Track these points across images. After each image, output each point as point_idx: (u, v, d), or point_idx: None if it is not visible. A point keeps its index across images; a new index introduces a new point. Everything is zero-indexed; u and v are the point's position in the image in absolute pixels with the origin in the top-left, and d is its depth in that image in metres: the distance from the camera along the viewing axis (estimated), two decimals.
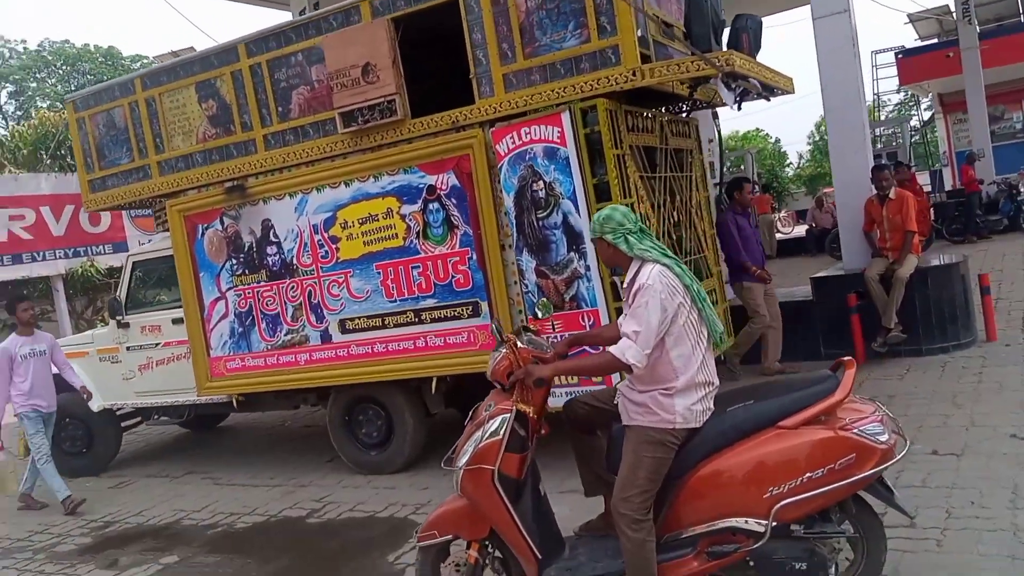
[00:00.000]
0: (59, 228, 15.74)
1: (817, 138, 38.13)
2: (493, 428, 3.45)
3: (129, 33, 69.05)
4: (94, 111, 7.49)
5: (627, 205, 5.39)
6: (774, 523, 3.16)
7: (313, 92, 6.35)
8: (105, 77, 33.59)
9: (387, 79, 5.91)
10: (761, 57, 6.11)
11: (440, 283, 5.99)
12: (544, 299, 4.13)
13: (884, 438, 3.20)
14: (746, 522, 3.20)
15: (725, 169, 8.47)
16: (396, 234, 6.11)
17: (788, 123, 78.86)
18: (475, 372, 5.42)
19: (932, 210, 16.44)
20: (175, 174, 7.10)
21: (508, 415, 3.45)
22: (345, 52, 6.03)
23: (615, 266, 3.56)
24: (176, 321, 7.33)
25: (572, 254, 5.41)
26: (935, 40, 24.75)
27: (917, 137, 30.59)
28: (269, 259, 6.68)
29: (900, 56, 24.11)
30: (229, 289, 6.92)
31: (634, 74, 5.20)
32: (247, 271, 6.80)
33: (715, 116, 7.82)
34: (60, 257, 15.69)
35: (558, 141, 5.36)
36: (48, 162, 18.00)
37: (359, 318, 6.33)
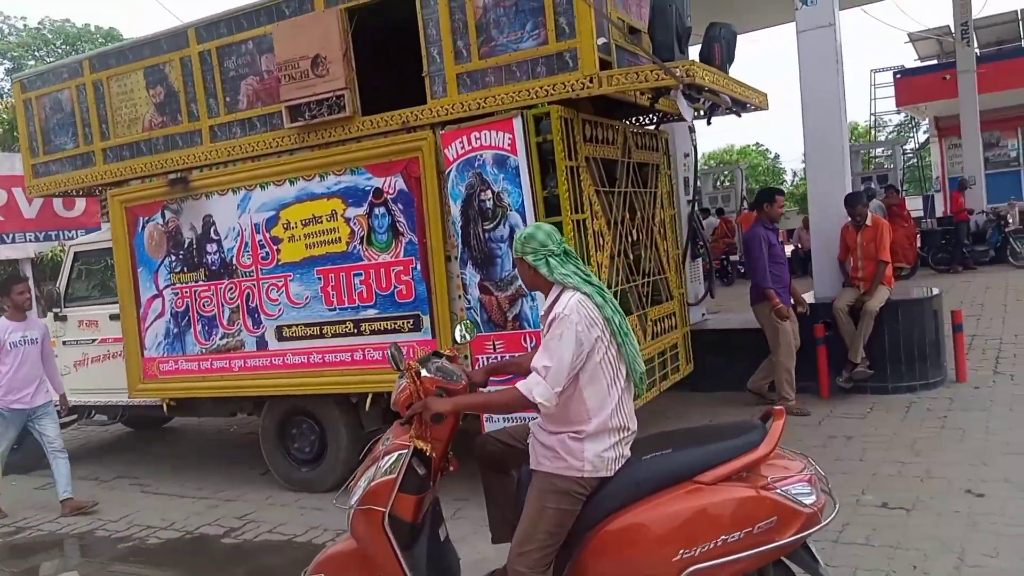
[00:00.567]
0: (31, 211, 15.34)
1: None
2: (387, 465, 3.13)
3: (134, 15, 68.51)
4: (41, 92, 7.15)
5: (579, 220, 5.10)
6: None
7: (262, 83, 6.03)
8: None
9: (337, 73, 5.59)
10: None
11: (382, 293, 5.68)
12: (468, 320, 3.81)
13: (810, 500, 2.90)
14: None
15: (698, 185, 8.13)
16: (339, 238, 5.79)
17: (792, 140, 78.67)
18: None
19: (919, 237, 16.20)
20: (119, 163, 6.76)
21: (404, 452, 3.13)
22: (295, 42, 5.71)
23: (535, 290, 3.24)
24: (113, 317, 7.00)
25: (517, 270, 5.09)
26: (935, 61, 24.51)
27: (914, 160, 30.40)
28: (208, 257, 6.35)
29: (898, 76, 23.87)
30: (167, 287, 6.59)
31: (591, 81, 4.90)
32: (186, 269, 6.47)
33: (692, 130, 7.48)
34: (30, 240, 15.32)
35: (508, 148, 5.05)
36: None
37: (297, 325, 6.01)
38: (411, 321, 5.57)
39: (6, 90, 37.56)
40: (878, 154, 25.01)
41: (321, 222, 5.84)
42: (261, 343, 6.17)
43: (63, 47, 38.76)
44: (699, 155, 7.87)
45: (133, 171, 6.68)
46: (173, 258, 6.53)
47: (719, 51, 5.86)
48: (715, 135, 67.18)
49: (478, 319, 5.23)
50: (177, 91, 6.38)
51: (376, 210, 5.63)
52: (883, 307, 7.04)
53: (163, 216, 6.54)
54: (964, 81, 18.05)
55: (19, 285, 6.39)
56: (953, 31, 19.25)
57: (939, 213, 21.32)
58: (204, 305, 6.40)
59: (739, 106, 6.11)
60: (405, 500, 3.11)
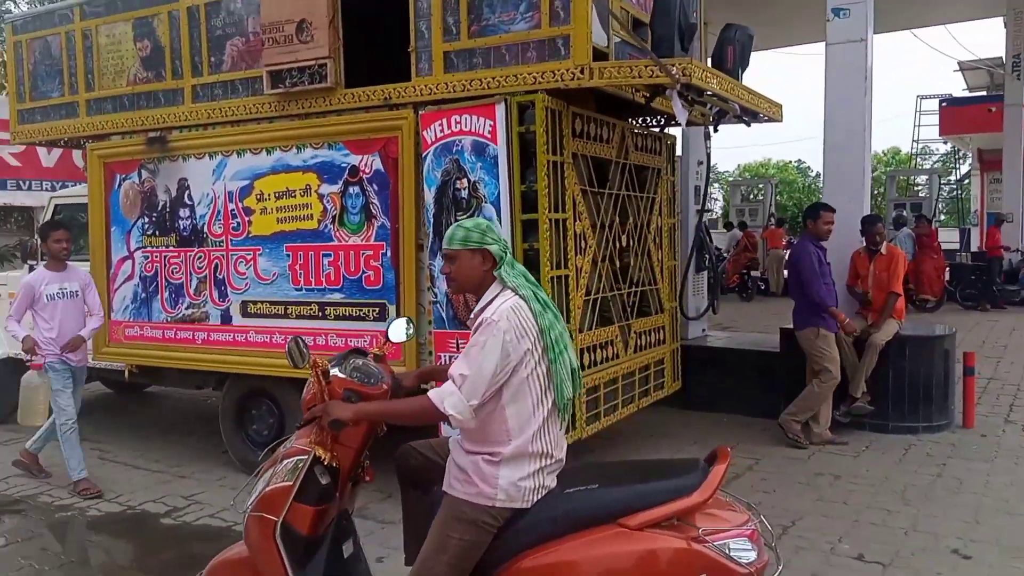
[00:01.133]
0: (50, 159, 15.20)
1: None
2: (285, 471, 2.81)
3: None
4: (32, 36, 6.89)
5: (558, 220, 4.74)
6: None
7: (247, 45, 5.72)
8: None
9: (321, 40, 5.27)
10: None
11: (349, 277, 5.35)
12: (407, 318, 3.47)
13: (749, 559, 2.53)
14: None
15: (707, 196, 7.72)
16: (311, 215, 5.47)
17: None
18: None
19: (948, 270, 15.61)
20: (101, 116, 6.49)
21: (304, 458, 2.80)
22: (282, 4, 5.39)
23: (469, 290, 2.87)
24: None
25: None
26: (983, 92, 23.74)
27: (956, 192, 29.59)
28: (181, 223, 6.07)
29: (944, 105, 23.15)
30: (137, 249, 6.31)
31: (582, 71, 4.53)
32: (157, 232, 6.19)
33: (707, 136, 7.07)
34: (47, 189, 15.19)
35: (488, 136, 4.70)
36: None
37: (262, 302, 5.71)
38: (376, 310, 5.25)
39: None
40: (920, 182, 24.23)
41: (294, 196, 5.52)
42: (225, 317, 5.88)
43: None
44: (710, 164, 7.45)
45: (114, 126, 6.41)
46: (146, 220, 6.26)
47: (732, 54, 5.48)
48: (754, 148, 66.15)
49: (443, 315, 4.89)
50: (163, 46, 6.09)
51: (351, 189, 5.30)
52: (891, 341, 6.60)
53: (140, 175, 6.27)
54: (1011, 115, 17.39)
55: (57, 232, 5.70)
56: (1005, 62, 18.57)
57: (974, 247, 20.67)
58: (172, 272, 6.12)
59: (749, 115, 5.72)
60: (301, 511, 2.79)
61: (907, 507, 5.02)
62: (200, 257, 5.98)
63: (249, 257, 5.74)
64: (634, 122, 6.15)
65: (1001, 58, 20.62)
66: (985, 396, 7.91)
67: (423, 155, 4.93)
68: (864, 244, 7.07)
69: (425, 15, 4.99)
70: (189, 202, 6.01)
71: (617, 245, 5.57)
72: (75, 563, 4.56)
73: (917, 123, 25.90)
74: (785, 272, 13.04)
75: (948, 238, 23.86)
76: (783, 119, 5.98)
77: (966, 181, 28.14)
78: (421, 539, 3.07)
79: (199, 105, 5.94)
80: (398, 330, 3.34)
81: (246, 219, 5.73)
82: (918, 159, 32.50)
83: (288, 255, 5.57)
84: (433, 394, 2.62)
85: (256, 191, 5.68)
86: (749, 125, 5.85)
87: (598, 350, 5.24)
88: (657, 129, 6.29)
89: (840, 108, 7.24)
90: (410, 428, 3.04)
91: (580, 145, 5.04)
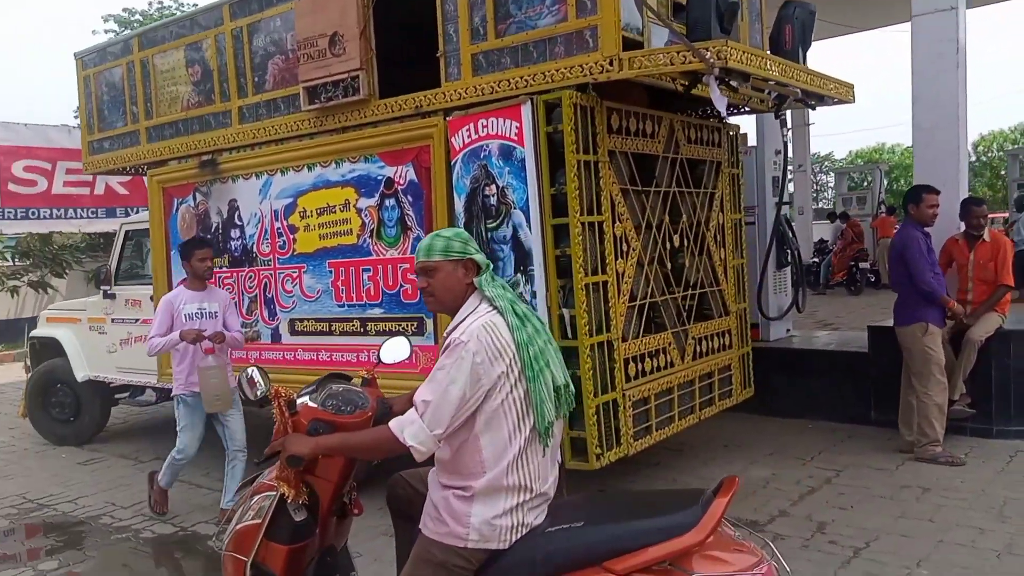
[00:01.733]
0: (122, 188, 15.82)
1: (973, 159, 34.62)
2: (255, 509, 2.66)
3: None
4: (98, 69, 7.14)
5: (592, 223, 4.46)
6: None
7: (287, 62, 5.69)
8: None
9: (353, 52, 5.17)
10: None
11: (388, 291, 5.23)
12: (406, 336, 3.25)
13: None
14: None
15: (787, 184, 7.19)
16: (351, 230, 5.38)
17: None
18: None
19: None
20: (159, 142, 6.64)
21: (272, 494, 2.65)
22: (315, 18, 5.33)
23: (443, 308, 2.61)
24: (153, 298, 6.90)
25: (519, 276, 4.51)
26: None
27: None
28: (232, 243, 6.11)
29: None
30: None
31: (611, 63, 4.23)
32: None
33: (783, 124, 6.59)
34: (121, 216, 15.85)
35: (515, 139, 4.46)
36: None
37: (308, 320, 5.66)
38: (415, 324, 5.09)
39: None
40: None
41: (334, 212, 5.45)
42: (275, 335, 5.87)
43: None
44: (787, 152, 6.93)
45: (171, 151, 6.53)
46: None
47: (790, 33, 5.05)
48: (867, 133, 62.99)
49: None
50: (212, 70, 6.16)
51: (387, 201, 5.18)
52: (991, 337, 5.96)
53: (194, 198, 6.36)
54: None
55: (201, 250, 5.26)
56: None
57: None
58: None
59: (814, 98, 5.26)
60: (274, 550, 2.64)
61: (1003, 525, 4.46)
62: (251, 276, 5.99)
63: (295, 275, 5.70)
64: (693, 113, 5.78)
65: None
66: None
67: (452, 162, 4.74)
68: (962, 230, 6.43)
69: (453, 18, 4.81)
70: (239, 222, 6.04)
71: (668, 246, 5.22)
72: None
73: None
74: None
75: None
76: (855, 100, 5.47)
77: None
78: None
79: (245, 126, 5.97)
80: (392, 350, 3.14)
81: (291, 237, 5.70)
82: None
83: (331, 271, 5.49)
84: (394, 423, 2.42)
85: (299, 208, 5.64)
86: (814, 108, 5.40)
87: (647, 359, 4.91)
88: (716, 119, 5.87)
89: (930, 84, 6.63)
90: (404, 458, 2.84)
91: (619, 142, 4.74)
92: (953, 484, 5.15)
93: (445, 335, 2.53)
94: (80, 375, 7.46)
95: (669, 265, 5.22)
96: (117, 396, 7.93)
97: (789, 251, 7.57)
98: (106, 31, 18.27)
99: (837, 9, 11.86)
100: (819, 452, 6.00)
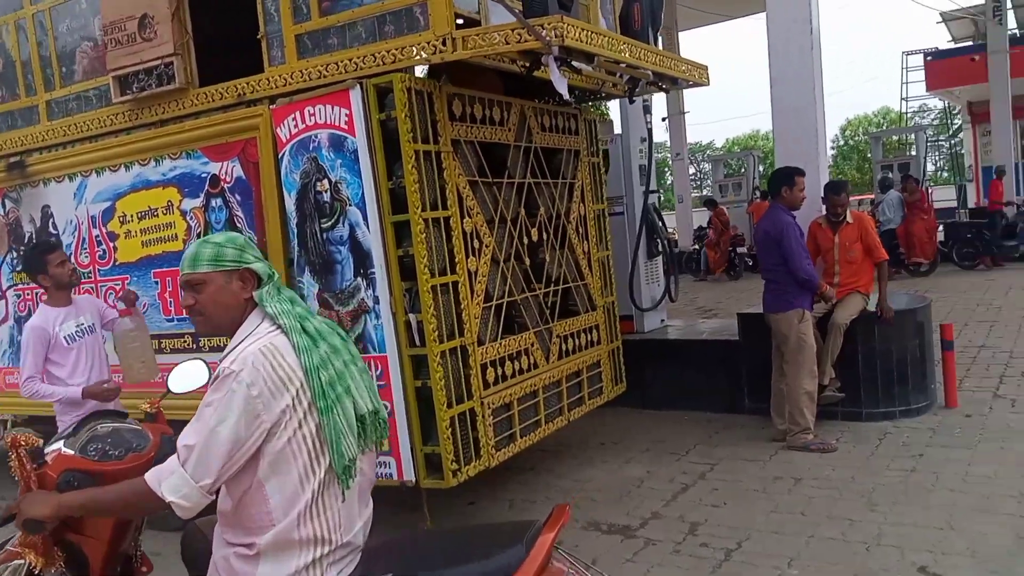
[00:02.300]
0: None
1: (841, 142, 36.14)
2: None
3: None
4: None
5: (437, 219, 4.07)
6: None
7: (97, 50, 5.08)
8: None
9: (165, 35, 4.63)
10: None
11: None
12: (202, 360, 2.78)
13: None
14: None
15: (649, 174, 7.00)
16: (176, 235, 4.84)
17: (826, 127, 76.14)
18: None
19: (942, 231, 14.85)
20: None
21: (21, 563, 2.16)
22: (121, 0, 4.75)
23: (219, 327, 2.19)
24: None
25: (359, 280, 4.09)
26: (970, 43, 22.88)
27: (958, 148, 28.65)
28: None
29: (929, 59, 22.31)
30: (9, 287, 5.70)
31: (444, 43, 3.86)
32: None
33: (647, 111, 6.38)
34: None
35: (346, 128, 4.04)
36: None
37: None
38: None
39: None
40: (913, 141, 23.36)
41: (157, 215, 4.89)
42: None
43: None
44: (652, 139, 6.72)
45: None
46: (15, 254, 5.64)
47: (639, 13, 4.80)
48: (743, 120, 65.14)
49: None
50: (14, 60, 5.47)
51: (213, 201, 4.67)
52: (856, 319, 5.91)
53: (3, 206, 5.65)
54: (995, 63, 16.64)
55: (54, 254, 4.28)
56: (985, 8, 17.78)
57: (971, 203, 19.85)
58: None
59: (668, 81, 5.04)
60: None
61: (873, 514, 4.34)
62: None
63: (118, 287, 5.10)
64: (549, 100, 5.47)
65: (984, 4, 19.82)
66: (974, 367, 7.22)
67: (279, 156, 4.27)
68: (824, 214, 6.37)
69: None
70: (54, 231, 5.39)
71: (526, 240, 4.90)
72: None
73: (905, 80, 25.03)
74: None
75: (947, 196, 23.06)
76: (709, 82, 5.30)
77: (959, 136, 27.24)
78: None
79: (55, 123, 5.33)
80: (185, 377, 2.67)
81: (111, 245, 5.11)
82: (916, 118, 31.56)
83: (156, 282, 4.93)
84: (150, 474, 1.97)
85: (119, 213, 5.05)
86: (668, 92, 5.19)
87: (508, 362, 4.57)
88: (573, 106, 5.58)
89: (786, 66, 6.54)
90: None
91: (464, 130, 4.37)
92: (824, 472, 5.03)
93: (220, 361, 2.10)
94: None
95: (528, 261, 4.90)
96: None
97: (659, 240, 7.42)
98: None
99: None
100: (694, 445, 5.83)
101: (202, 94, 4.63)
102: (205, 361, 2.81)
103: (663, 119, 19.81)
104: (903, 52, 27.09)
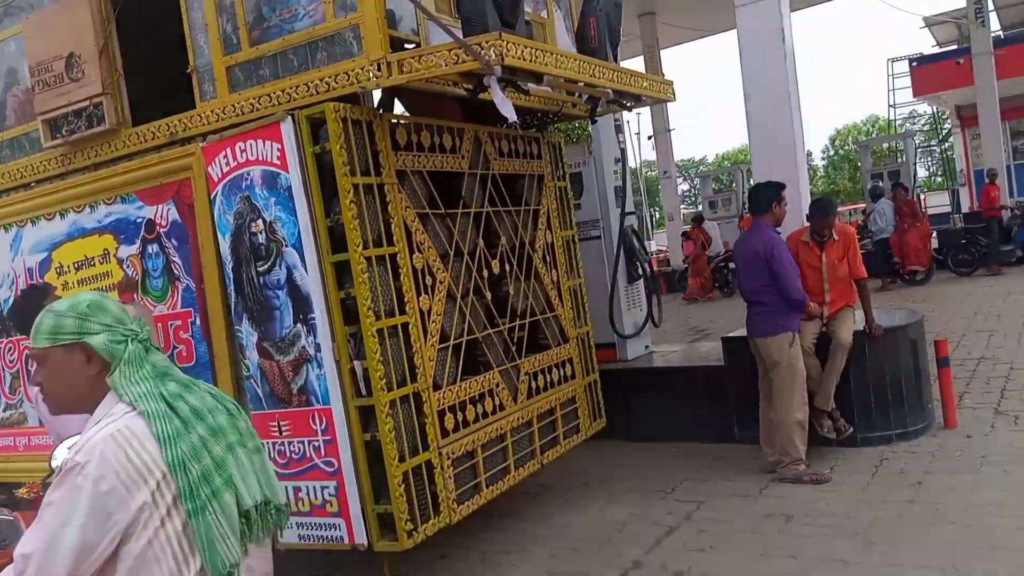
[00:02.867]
0: None
1: (832, 152, 35.99)
2: None
3: None
4: None
5: (382, 256, 3.79)
6: None
7: (27, 94, 4.82)
8: None
9: (93, 75, 4.36)
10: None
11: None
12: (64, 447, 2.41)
13: None
14: None
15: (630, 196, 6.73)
16: (114, 284, 4.54)
17: (815, 138, 76.00)
18: None
19: (936, 238, 14.56)
20: None
21: None
22: (47, 39, 4.51)
23: (69, 408, 1.88)
24: None
25: (299, 326, 3.79)
26: (954, 47, 22.74)
27: (945, 153, 28.49)
28: None
29: (914, 65, 22.17)
30: None
31: (379, 68, 3.59)
32: None
33: (619, 130, 6.14)
34: None
35: (278, 164, 3.75)
36: None
37: None
38: None
39: None
40: (902, 147, 23.17)
41: (94, 264, 4.61)
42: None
43: None
44: (626, 160, 6.46)
45: None
46: None
47: (595, 28, 4.53)
48: (732, 135, 65.27)
49: (259, 391, 3.93)
50: None
51: (149, 248, 4.38)
52: None
53: None
54: (980, 65, 16.43)
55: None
56: (967, 11, 17.61)
57: (964, 208, 19.58)
58: None
59: (629, 98, 4.77)
60: None
61: (868, 554, 4.01)
62: (10, 348, 5.05)
63: None
64: (505, 125, 5.20)
65: (965, 8, 19.66)
66: (974, 381, 6.90)
67: (212, 196, 3.99)
68: (807, 229, 6.06)
69: (201, 26, 4.09)
70: None
71: (487, 273, 4.60)
72: None
73: (891, 87, 24.89)
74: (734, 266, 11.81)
75: (940, 202, 22.81)
76: (675, 98, 5.04)
77: (949, 141, 27.06)
78: None
79: None
80: (57, 456, 2.37)
81: None
82: (906, 125, 31.42)
83: None
84: None
85: (56, 263, 4.77)
86: (630, 109, 4.92)
87: (469, 407, 4.26)
88: (534, 128, 5.32)
89: (759, 78, 6.31)
90: None
91: (410, 160, 4.09)
92: (817, 507, 4.70)
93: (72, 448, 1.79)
94: None
95: (489, 295, 4.59)
96: None
97: (639, 263, 7.12)
98: None
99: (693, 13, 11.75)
100: (681, 481, 5.49)
101: (134, 134, 4.37)
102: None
103: (649, 137, 19.63)
104: (888, 59, 27.00)
